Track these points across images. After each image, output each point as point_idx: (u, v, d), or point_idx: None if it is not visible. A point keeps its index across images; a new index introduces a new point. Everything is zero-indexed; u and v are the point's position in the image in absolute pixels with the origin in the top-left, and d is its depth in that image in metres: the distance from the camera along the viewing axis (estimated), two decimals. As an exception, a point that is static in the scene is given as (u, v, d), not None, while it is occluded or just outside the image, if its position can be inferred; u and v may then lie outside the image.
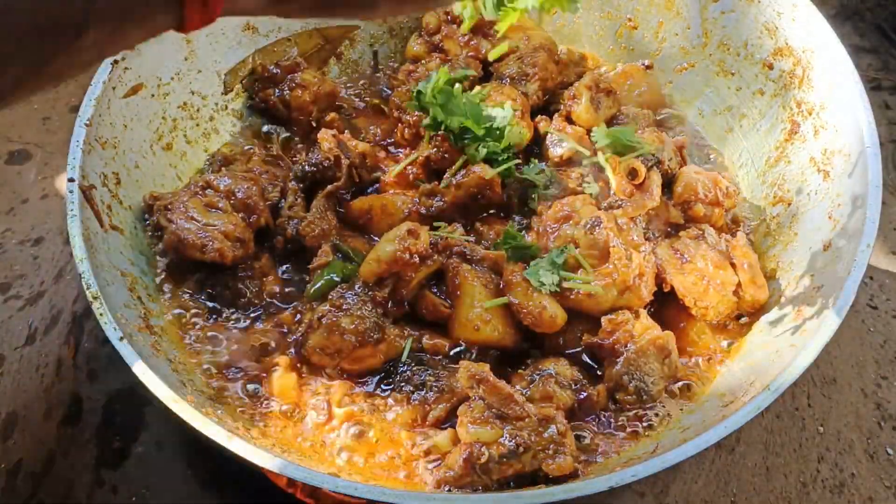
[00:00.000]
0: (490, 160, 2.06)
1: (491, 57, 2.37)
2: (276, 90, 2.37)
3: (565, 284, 1.86)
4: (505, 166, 2.03)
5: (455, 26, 2.48)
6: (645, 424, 1.84)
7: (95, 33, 0.89)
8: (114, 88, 2.05)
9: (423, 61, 2.43)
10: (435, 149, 2.11)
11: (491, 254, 1.93)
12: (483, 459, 1.63)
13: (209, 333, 1.96)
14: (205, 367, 1.90)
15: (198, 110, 2.33)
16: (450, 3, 1.32)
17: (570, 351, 1.92)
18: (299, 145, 2.36)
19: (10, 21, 0.82)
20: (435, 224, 2.04)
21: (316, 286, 1.93)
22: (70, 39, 0.87)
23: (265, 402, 1.86)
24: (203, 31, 2.30)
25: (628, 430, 1.83)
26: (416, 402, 1.82)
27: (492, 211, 2.12)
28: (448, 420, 1.80)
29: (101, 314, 1.68)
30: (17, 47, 0.83)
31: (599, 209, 2.01)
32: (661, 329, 1.89)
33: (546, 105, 2.39)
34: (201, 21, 0.97)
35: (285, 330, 1.96)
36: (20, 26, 0.83)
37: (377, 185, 2.22)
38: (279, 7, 1.05)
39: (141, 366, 1.61)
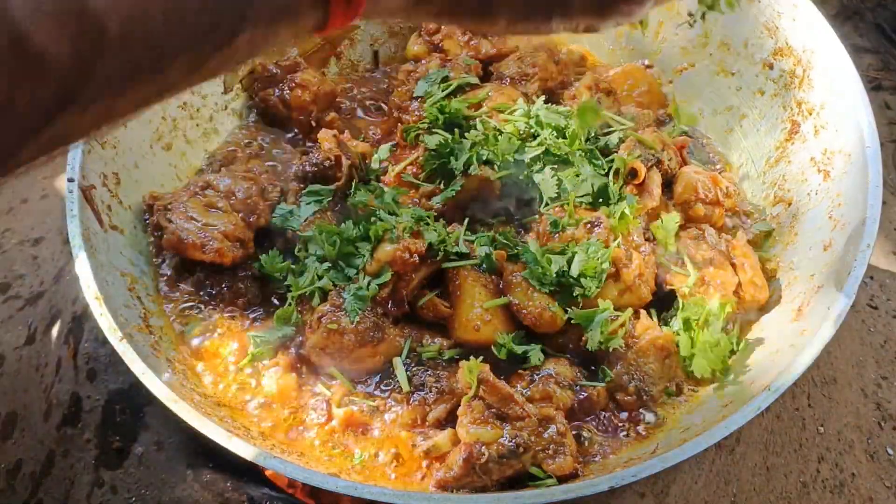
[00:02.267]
0: (490, 163, 2.06)
1: None
2: (276, 90, 2.37)
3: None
4: (506, 172, 2.03)
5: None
6: (645, 424, 1.84)
7: (251, 34, 0.89)
8: (114, 88, 2.04)
9: (423, 61, 2.43)
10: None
11: (492, 252, 1.93)
12: (483, 459, 1.63)
13: (209, 333, 1.96)
14: (204, 366, 1.91)
15: (198, 110, 2.33)
16: (564, 29, 1.16)
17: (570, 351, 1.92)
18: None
19: (182, 17, 0.83)
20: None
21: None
22: (227, 39, 0.88)
23: (265, 401, 1.86)
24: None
25: (628, 430, 1.83)
26: (416, 403, 1.82)
27: (491, 213, 2.12)
28: (448, 420, 1.80)
29: (101, 314, 1.68)
30: (184, 43, 0.85)
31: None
32: (660, 329, 1.89)
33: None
34: (343, 21, 0.97)
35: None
36: (189, 24, 0.84)
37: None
38: (417, 8, 1.05)
39: (141, 366, 1.61)
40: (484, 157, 2.03)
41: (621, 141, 2.13)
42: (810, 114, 2.15)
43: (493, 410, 1.68)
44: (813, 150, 2.11)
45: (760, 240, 2.19)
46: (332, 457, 1.78)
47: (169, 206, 2.01)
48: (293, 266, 1.97)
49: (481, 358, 1.73)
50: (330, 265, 1.91)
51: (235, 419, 1.80)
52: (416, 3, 1.04)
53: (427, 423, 1.80)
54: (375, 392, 1.86)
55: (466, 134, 2.09)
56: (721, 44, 2.42)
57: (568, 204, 1.97)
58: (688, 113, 2.41)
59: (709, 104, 2.48)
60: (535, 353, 1.84)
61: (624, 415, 1.86)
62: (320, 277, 1.89)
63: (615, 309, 1.87)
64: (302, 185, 2.11)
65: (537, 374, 1.82)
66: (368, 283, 1.83)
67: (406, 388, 1.82)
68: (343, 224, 1.91)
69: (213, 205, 2.02)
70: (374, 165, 2.22)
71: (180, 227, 1.96)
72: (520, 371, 1.86)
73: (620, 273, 1.87)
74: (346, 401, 1.84)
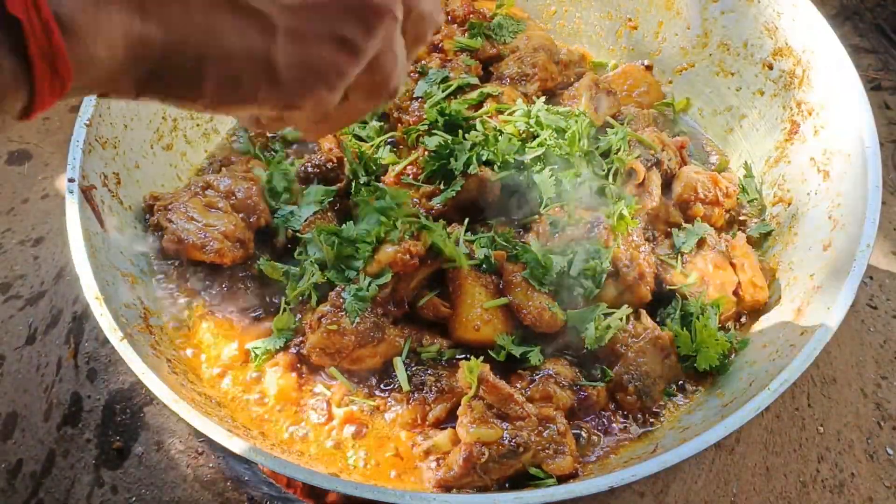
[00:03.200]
0: (490, 163, 2.06)
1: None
2: (277, 90, 2.36)
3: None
4: (506, 173, 2.03)
5: (455, 26, 2.48)
6: (645, 424, 1.84)
7: None
8: (114, 88, 2.04)
9: (423, 61, 2.42)
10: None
11: (491, 254, 1.93)
12: (483, 459, 1.63)
13: (209, 333, 1.96)
14: (204, 366, 1.91)
15: (198, 110, 2.33)
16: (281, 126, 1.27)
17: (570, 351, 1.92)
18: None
19: None
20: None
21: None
22: None
23: (266, 402, 1.86)
24: (203, 31, 2.31)
25: (628, 430, 1.83)
26: (416, 402, 1.82)
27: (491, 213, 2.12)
28: (448, 420, 1.80)
29: (101, 314, 1.68)
30: None
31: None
32: (660, 329, 1.89)
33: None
34: (50, 100, 0.85)
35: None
36: None
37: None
38: (123, 79, 0.94)
39: (141, 366, 1.61)
40: (484, 158, 2.03)
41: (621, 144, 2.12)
42: (810, 114, 2.15)
43: (493, 410, 1.68)
44: (813, 150, 2.12)
45: (760, 240, 2.19)
46: (332, 457, 1.78)
47: (169, 207, 2.01)
48: (293, 271, 1.96)
49: (482, 358, 1.73)
50: (329, 268, 1.90)
51: (235, 419, 1.80)
52: (124, 73, 0.93)
53: (427, 423, 1.80)
54: (375, 392, 1.86)
55: (466, 135, 2.09)
56: (721, 44, 2.42)
57: (568, 204, 1.97)
58: (680, 102, 2.46)
59: (709, 104, 2.48)
60: (534, 354, 1.85)
61: (624, 415, 1.86)
62: (315, 278, 1.89)
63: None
64: (303, 186, 2.11)
65: (537, 374, 1.83)
66: (369, 284, 1.83)
67: (406, 387, 1.82)
68: (344, 224, 1.91)
69: (213, 205, 2.02)
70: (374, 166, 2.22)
71: (181, 227, 1.96)
72: (520, 371, 1.86)
73: (620, 273, 1.88)
74: (346, 401, 1.84)
